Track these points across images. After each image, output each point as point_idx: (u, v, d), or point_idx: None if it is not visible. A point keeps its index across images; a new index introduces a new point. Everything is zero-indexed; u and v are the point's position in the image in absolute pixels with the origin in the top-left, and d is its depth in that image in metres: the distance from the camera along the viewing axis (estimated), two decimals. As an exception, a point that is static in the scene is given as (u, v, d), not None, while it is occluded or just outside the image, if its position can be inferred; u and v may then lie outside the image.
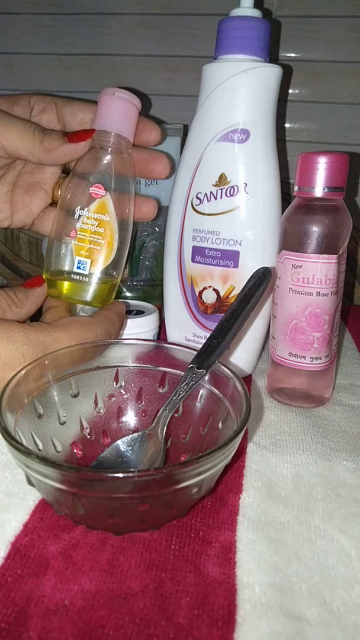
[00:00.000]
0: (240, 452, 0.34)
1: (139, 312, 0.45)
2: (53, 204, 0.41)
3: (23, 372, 0.29)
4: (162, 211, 0.52)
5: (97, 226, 0.37)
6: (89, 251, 0.37)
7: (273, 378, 0.41)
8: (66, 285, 0.38)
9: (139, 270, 0.55)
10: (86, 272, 0.38)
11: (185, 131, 0.51)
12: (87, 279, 0.38)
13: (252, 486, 0.30)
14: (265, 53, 0.39)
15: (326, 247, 0.36)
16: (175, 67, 0.64)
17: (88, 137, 0.36)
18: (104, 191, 0.37)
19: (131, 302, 0.49)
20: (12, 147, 0.36)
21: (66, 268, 0.38)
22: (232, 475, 0.31)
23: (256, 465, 0.33)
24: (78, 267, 0.37)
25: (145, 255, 0.55)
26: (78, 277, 0.38)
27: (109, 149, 0.37)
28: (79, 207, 0.37)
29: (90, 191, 0.37)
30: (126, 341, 0.35)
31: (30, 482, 0.25)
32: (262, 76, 0.38)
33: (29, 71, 0.67)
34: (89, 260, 0.37)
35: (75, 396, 0.33)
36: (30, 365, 0.30)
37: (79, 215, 0.37)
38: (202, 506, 0.28)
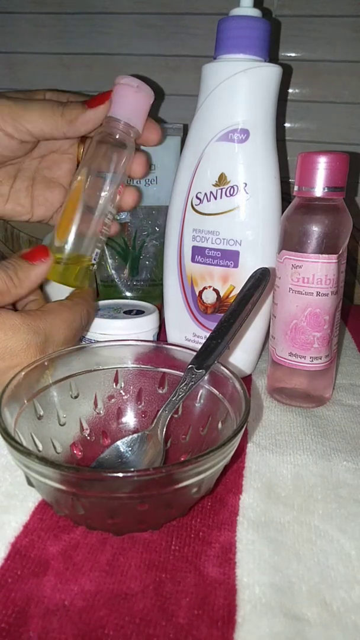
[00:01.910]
0: (240, 452, 0.34)
1: (139, 312, 0.45)
2: None
3: (23, 373, 0.29)
4: (162, 211, 0.52)
5: (79, 211, 0.38)
6: (64, 230, 0.38)
7: (273, 378, 0.41)
8: (62, 268, 0.38)
9: (139, 270, 0.55)
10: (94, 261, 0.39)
11: (185, 131, 0.51)
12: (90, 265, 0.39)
13: (252, 486, 0.30)
14: (265, 53, 0.39)
15: (326, 247, 0.36)
16: (175, 66, 0.64)
17: (106, 99, 0.37)
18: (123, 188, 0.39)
19: (131, 302, 0.49)
20: (36, 127, 0.36)
21: (89, 254, 0.39)
22: (232, 475, 0.31)
23: (256, 465, 0.33)
24: (94, 258, 0.39)
25: (145, 255, 0.55)
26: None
27: (117, 135, 0.38)
28: (111, 204, 0.39)
29: (118, 189, 0.39)
30: (126, 342, 0.35)
31: (30, 483, 0.25)
32: (262, 76, 0.38)
33: (29, 70, 0.67)
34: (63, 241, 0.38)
35: (75, 397, 0.33)
36: (30, 366, 0.30)
37: (108, 212, 0.39)
38: (202, 506, 0.28)
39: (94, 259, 0.40)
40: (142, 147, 0.43)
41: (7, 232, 0.73)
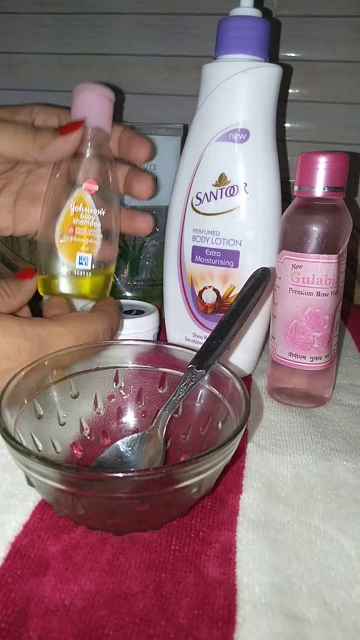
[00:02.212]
0: (240, 452, 0.34)
1: (139, 312, 0.45)
2: None
3: (23, 372, 0.29)
4: (162, 211, 0.52)
5: (93, 221, 0.38)
6: (89, 246, 0.38)
7: (273, 378, 0.41)
8: (62, 281, 0.38)
9: (139, 270, 0.55)
10: (88, 268, 0.38)
11: (185, 131, 0.51)
12: (87, 274, 0.38)
13: (252, 486, 0.30)
14: (265, 53, 0.39)
15: (326, 247, 0.36)
16: (175, 67, 0.64)
17: (78, 126, 0.36)
18: (96, 186, 0.38)
19: (131, 302, 0.49)
20: (7, 149, 0.36)
21: (66, 265, 0.38)
22: (232, 475, 0.31)
23: (256, 465, 0.33)
24: (80, 263, 0.38)
25: (145, 255, 0.55)
26: (80, 272, 0.38)
27: (88, 143, 0.38)
28: (74, 203, 0.38)
29: (85, 187, 0.38)
30: (126, 342, 0.35)
31: (30, 483, 0.25)
32: (262, 76, 0.38)
33: (29, 71, 0.67)
34: (89, 255, 0.38)
35: (75, 397, 0.33)
36: (30, 366, 0.30)
37: (75, 212, 0.38)
38: (202, 506, 0.28)
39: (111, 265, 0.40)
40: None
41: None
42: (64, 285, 0.38)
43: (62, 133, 0.36)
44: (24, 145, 0.36)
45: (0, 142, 0.35)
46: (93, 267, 0.38)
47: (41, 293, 0.39)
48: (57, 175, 0.38)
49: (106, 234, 0.39)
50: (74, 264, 0.38)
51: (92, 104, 0.38)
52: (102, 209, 0.38)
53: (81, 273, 0.38)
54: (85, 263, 0.38)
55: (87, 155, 0.38)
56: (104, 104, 0.38)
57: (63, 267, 0.38)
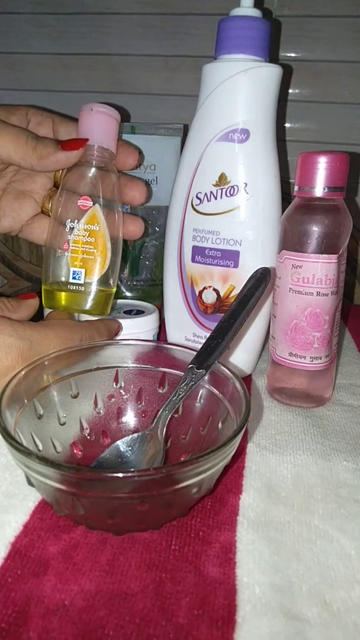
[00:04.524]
0: (240, 452, 0.34)
1: (139, 312, 0.45)
2: (42, 213, 0.42)
3: (23, 372, 0.29)
4: (162, 211, 0.52)
5: (88, 237, 0.38)
6: (83, 261, 0.38)
7: (273, 378, 0.41)
8: (64, 295, 0.39)
9: (139, 270, 0.55)
10: (82, 282, 0.38)
11: (185, 131, 0.51)
12: (83, 289, 0.39)
13: (252, 486, 0.30)
14: (265, 53, 0.39)
15: (326, 247, 0.36)
16: (175, 67, 0.64)
17: (81, 146, 0.37)
18: (91, 202, 0.38)
19: (131, 302, 0.49)
20: (5, 152, 0.36)
21: (63, 279, 0.39)
22: (232, 475, 0.31)
23: (256, 465, 0.33)
24: (74, 278, 0.38)
25: (145, 255, 0.55)
26: (75, 287, 0.39)
27: (94, 162, 0.38)
28: (69, 219, 0.38)
29: (79, 203, 0.38)
30: (126, 342, 0.35)
31: (30, 483, 0.25)
32: (262, 76, 0.38)
33: (29, 71, 0.67)
34: (83, 270, 0.38)
35: (75, 397, 0.33)
36: (30, 366, 0.30)
37: (71, 228, 0.38)
38: (202, 506, 0.28)
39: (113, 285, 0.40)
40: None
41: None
42: (61, 299, 0.39)
43: (64, 148, 0.36)
44: (24, 151, 0.36)
45: (1, 144, 0.36)
46: (88, 282, 0.39)
47: (44, 306, 0.39)
48: (63, 189, 0.39)
49: (103, 249, 0.39)
50: (68, 278, 0.39)
51: (98, 124, 0.38)
52: (95, 225, 0.38)
53: (75, 287, 0.39)
54: (79, 278, 0.38)
55: (92, 172, 0.38)
56: (109, 123, 0.38)
57: (60, 280, 0.39)
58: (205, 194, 0.41)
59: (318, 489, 0.30)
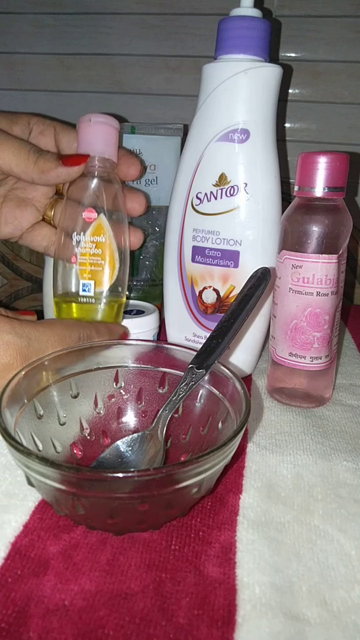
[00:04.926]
0: (240, 452, 0.34)
1: (139, 312, 0.45)
2: (44, 220, 0.43)
3: (23, 372, 0.29)
4: (162, 211, 0.52)
5: (95, 248, 0.39)
6: (92, 273, 0.39)
7: (273, 378, 0.41)
8: (75, 307, 0.39)
9: (139, 270, 0.55)
10: (92, 294, 0.39)
11: (185, 131, 0.51)
12: (93, 300, 0.39)
13: (252, 486, 0.30)
14: (265, 53, 0.39)
15: (326, 247, 0.36)
16: (175, 67, 0.64)
17: (82, 162, 0.37)
18: (96, 214, 0.38)
19: (131, 302, 0.49)
20: (6, 164, 0.36)
21: (73, 291, 0.39)
22: (232, 475, 0.31)
23: (256, 465, 0.33)
24: (84, 290, 0.39)
25: (145, 255, 0.55)
26: (85, 299, 0.39)
27: (96, 172, 0.38)
28: (76, 232, 0.39)
29: (84, 216, 0.38)
30: (126, 342, 0.35)
31: (30, 483, 0.25)
32: (262, 76, 0.38)
33: (29, 71, 0.67)
34: (92, 282, 0.39)
35: (75, 397, 0.33)
36: (30, 366, 0.30)
37: (77, 241, 0.38)
38: (202, 506, 0.28)
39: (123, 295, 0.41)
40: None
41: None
42: (73, 311, 0.39)
43: (66, 164, 0.37)
44: (25, 165, 0.36)
45: (2, 156, 0.36)
46: (98, 293, 0.39)
47: (55, 317, 0.40)
48: (67, 201, 0.39)
49: (111, 259, 0.39)
50: (79, 290, 0.39)
51: (99, 134, 0.38)
52: (101, 236, 0.39)
53: (85, 300, 0.39)
54: (89, 290, 0.39)
55: (94, 183, 0.39)
56: (110, 133, 0.38)
57: (70, 292, 0.39)
58: (205, 194, 0.41)
59: (318, 488, 0.30)
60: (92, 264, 0.39)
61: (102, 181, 0.39)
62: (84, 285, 0.39)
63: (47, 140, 0.40)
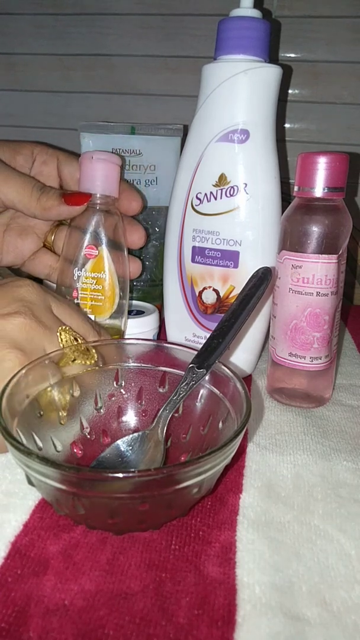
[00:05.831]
0: (240, 452, 0.34)
1: (139, 312, 0.45)
2: (45, 247, 0.44)
3: (23, 371, 0.29)
4: (162, 211, 0.52)
5: (95, 284, 0.40)
6: (92, 307, 0.40)
7: (273, 378, 0.41)
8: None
9: (139, 271, 0.55)
10: None
11: (185, 131, 0.51)
12: None
13: (252, 486, 0.30)
14: (265, 53, 0.39)
15: (326, 247, 0.36)
16: (175, 67, 0.64)
17: (84, 201, 0.38)
18: (97, 250, 0.39)
19: (131, 302, 0.49)
20: (9, 200, 0.37)
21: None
22: (232, 475, 0.31)
23: (256, 465, 0.33)
24: None
25: (145, 255, 0.55)
26: None
27: (97, 207, 0.39)
28: (77, 268, 0.40)
29: (84, 252, 0.39)
30: (126, 341, 0.35)
31: (30, 482, 0.25)
32: (262, 76, 0.38)
33: (29, 71, 0.67)
34: (93, 316, 0.40)
35: (75, 396, 0.32)
36: (30, 365, 0.30)
37: (78, 276, 0.40)
38: (202, 506, 0.28)
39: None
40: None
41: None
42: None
43: (68, 203, 0.37)
44: (28, 201, 0.37)
45: (6, 193, 0.37)
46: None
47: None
48: (71, 231, 0.40)
49: (111, 294, 0.40)
50: None
51: (100, 172, 0.39)
52: (101, 273, 0.40)
53: None
54: None
55: (95, 219, 0.39)
56: (110, 170, 0.39)
57: None
58: (205, 194, 0.41)
59: (318, 488, 0.30)
60: (92, 299, 0.40)
61: (103, 216, 0.40)
62: None
63: (49, 170, 0.41)
